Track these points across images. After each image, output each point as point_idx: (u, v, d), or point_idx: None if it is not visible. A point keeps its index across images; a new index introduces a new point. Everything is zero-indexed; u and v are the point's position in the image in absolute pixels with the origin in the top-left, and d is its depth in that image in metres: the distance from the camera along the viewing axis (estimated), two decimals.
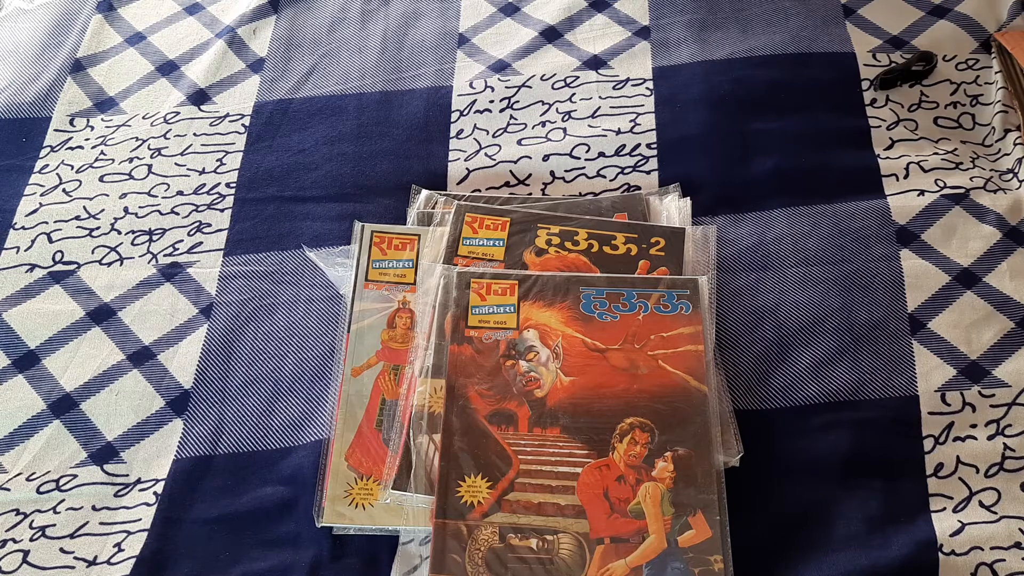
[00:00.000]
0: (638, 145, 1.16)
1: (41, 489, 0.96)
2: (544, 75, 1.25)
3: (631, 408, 0.91)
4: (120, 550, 0.91)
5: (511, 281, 0.99)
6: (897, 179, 1.10)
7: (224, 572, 0.89)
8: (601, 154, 1.16)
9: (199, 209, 1.16)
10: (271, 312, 1.07)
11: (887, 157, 1.12)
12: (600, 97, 1.22)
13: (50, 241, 1.15)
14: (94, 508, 0.95)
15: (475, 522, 0.86)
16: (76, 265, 1.13)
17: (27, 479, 0.97)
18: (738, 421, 0.92)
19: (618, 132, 1.17)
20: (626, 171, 1.14)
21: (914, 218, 1.06)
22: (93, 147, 1.24)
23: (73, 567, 0.91)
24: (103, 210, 1.17)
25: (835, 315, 1.00)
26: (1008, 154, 1.11)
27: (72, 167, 1.22)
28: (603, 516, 0.86)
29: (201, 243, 1.13)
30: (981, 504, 0.87)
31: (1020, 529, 0.85)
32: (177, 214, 1.16)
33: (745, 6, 1.30)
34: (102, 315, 1.08)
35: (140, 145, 1.24)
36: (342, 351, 0.99)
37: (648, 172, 1.14)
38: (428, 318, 0.98)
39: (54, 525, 0.93)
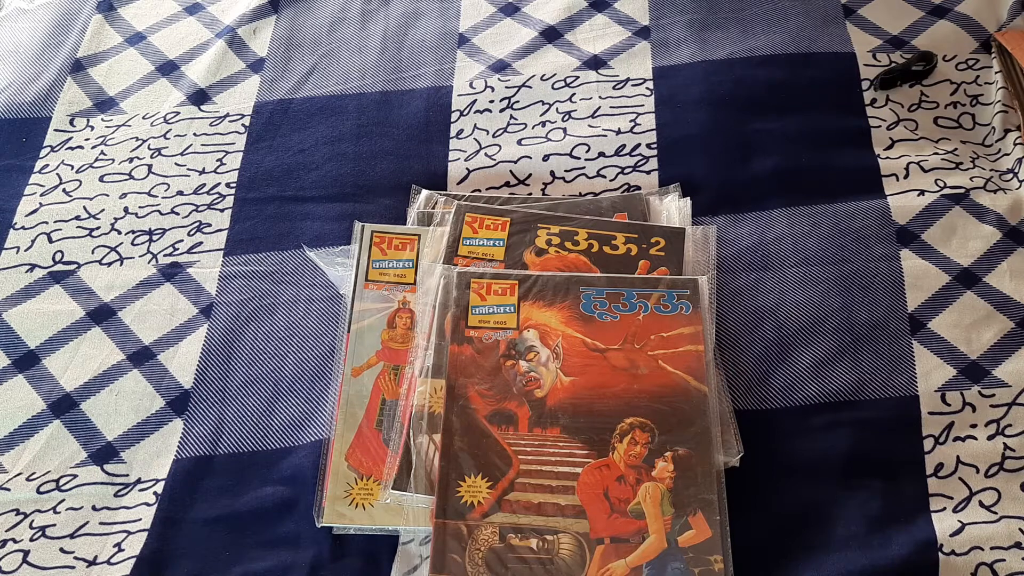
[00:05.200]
0: (638, 145, 1.16)
1: (41, 489, 0.96)
2: (544, 75, 1.25)
3: (631, 408, 0.91)
4: (120, 550, 0.91)
5: (511, 281, 0.99)
6: (897, 179, 1.10)
7: (224, 572, 0.89)
8: (601, 154, 1.16)
9: (199, 209, 1.16)
10: (271, 312, 1.07)
11: (887, 157, 1.12)
12: (600, 97, 1.22)
13: (50, 241, 1.15)
14: (94, 508, 0.95)
15: (475, 522, 0.86)
16: (76, 265, 1.13)
17: (27, 479, 0.97)
18: (738, 421, 0.92)
19: (618, 132, 1.17)
20: (626, 171, 1.14)
21: (914, 218, 1.06)
22: (93, 147, 1.24)
23: (73, 567, 0.91)
24: (103, 210, 1.17)
25: (835, 315, 1.00)
26: (1008, 154, 1.11)
27: (72, 167, 1.22)
28: (603, 516, 0.86)
29: (201, 243, 1.13)
30: (981, 504, 0.87)
31: (1020, 529, 0.85)
32: (177, 214, 1.16)
33: (745, 6, 1.30)
34: (102, 315, 1.08)
35: (140, 145, 1.24)
36: (342, 351, 0.99)
37: (648, 172, 1.14)
38: (428, 318, 0.98)
39: (54, 525, 0.93)
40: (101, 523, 0.93)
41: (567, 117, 1.20)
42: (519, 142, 1.18)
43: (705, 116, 1.18)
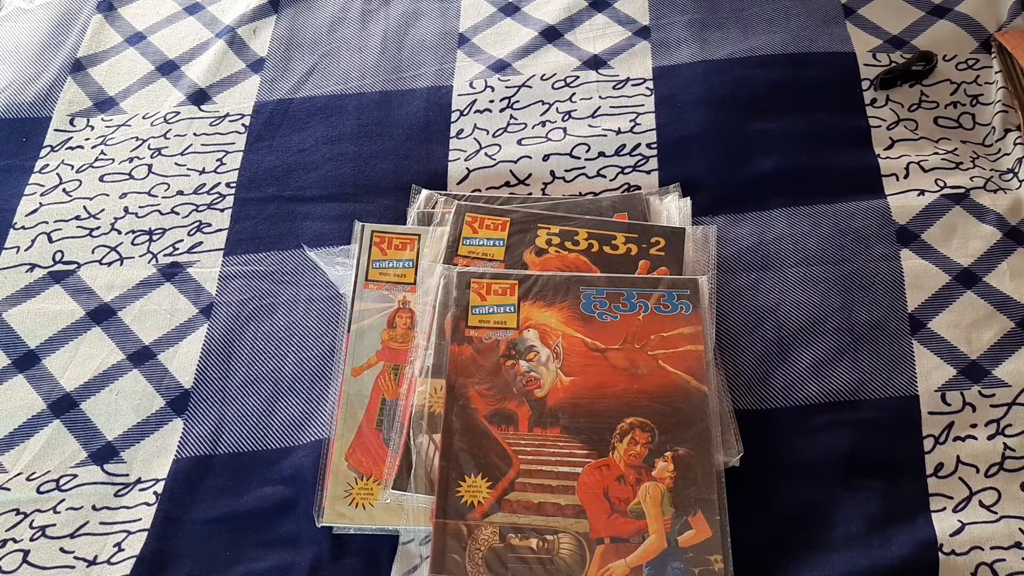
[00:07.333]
0: (638, 145, 1.16)
1: (41, 489, 0.96)
2: (544, 75, 1.25)
3: (631, 408, 0.91)
4: (120, 550, 0.91)
5: (511, 281, 0.99)
6: (897, 179, 1.10)
7: (224, 572, 0.89)
8: (601, 154, 1.16)
9: (199, 209, 1.16)
10: (271, 312, 1.07)
11: (887, 157, 1.12)
12: (600, 97, 1.22)
13: (50, 241, 1.15)
14: (94, 508, 0.95)
15: (475, 522, 0.86)
16: (76, 265, 1.13)
17: (27, 479, 0.97)
18: (738, 421, 0.92)
19: (618, 132, 1.17)
20: (626, 171, 1.14)
21: (914, 218, 1.06)
22: (93, 147, 1.24)
23: (73, 567, 0.91)
24: (103, 210, 1.17)
25: (835, 315, 1.00)
26: (1008, 154, 1.11)
27: (72, 167, 1.22)
28: (603, 516, 0.86)
29: (201, 243, 1.13)
30: (981, 504, 0.87)
31: (1020, 529, 0.85)
32: (177, 214, 1.16)
33: (745, 6, 1.30)
34: (102, 315, 1.08)
35: (140, 145, 1.24)
36: (342, 351, 0.99)
37: (648, 172, 1.14)
38: (428, 318, 0.98)
39: (54, 525, 0.93)
40: (101, 523, 0.93)
41: (567, 117, 1.20)
42: (519, 142, 1.18)
43: (705, 116, 1.18)
